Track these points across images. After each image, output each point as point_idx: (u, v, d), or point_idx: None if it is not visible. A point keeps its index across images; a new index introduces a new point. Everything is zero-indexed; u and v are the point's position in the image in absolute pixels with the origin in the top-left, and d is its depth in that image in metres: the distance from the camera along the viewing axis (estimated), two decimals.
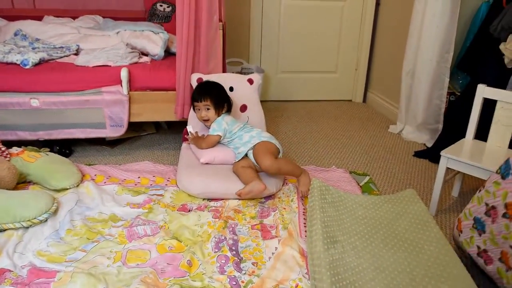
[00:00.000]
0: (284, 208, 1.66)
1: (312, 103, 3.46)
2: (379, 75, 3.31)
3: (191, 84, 2.12)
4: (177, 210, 1.64)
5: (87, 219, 1.57)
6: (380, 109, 3.22)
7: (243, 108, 2.15)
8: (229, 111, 1.89)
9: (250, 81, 2.18)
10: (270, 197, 1.77)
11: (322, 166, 2.17)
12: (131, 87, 2.11)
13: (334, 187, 1.68)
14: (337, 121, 2.97)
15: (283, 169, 1.69)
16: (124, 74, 2.04)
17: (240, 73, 3.07)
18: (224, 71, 2.26)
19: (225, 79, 2.13)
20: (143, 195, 1.74)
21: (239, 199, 1.72)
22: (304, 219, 1.59)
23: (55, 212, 1.57)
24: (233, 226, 1.53)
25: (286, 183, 1.86)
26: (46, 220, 1.52)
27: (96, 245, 1.41)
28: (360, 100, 3.52)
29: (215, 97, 1.87)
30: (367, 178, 2.02)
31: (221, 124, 1.82)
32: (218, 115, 1.86)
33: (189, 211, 1.65)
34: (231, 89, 2.13)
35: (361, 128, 2.84)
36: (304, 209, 1.66)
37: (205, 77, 2.11)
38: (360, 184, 1.94)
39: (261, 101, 2.25)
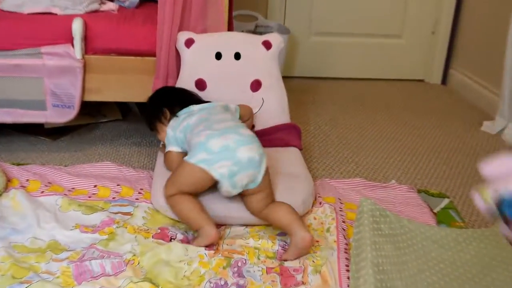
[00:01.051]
0: (317, 241, 1.66)
1: (361, 82, 3.46)
2: (469, 44, 3.29)
3: (176, 49, 2.12)
4: (152, 238, 1.64)
5: (13, 247, 1.56)
6: (469, 96, 3.21)
7: (256, 85, 2.16)
8: (173, 113, 1.89)
9: (267, 45, 2.18)
10: None
11: (375, 181, 2.16)
12: (87, 49, 2.13)
13: (394, 213, 1.67)
14: (400, 111, 2.96)
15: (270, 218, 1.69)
16: (77, 27, 2.06)
17: (254, 33, 3.08)
18: (230, 29, 2.28)
19: (229, 41, 2.14)
20: (100, 212, 1.74)
21: (246, 225, 1.73)
22: (347, 259, 1.58)
23: None
24: (239, 264, 1.53)
25: (320, 203, 1.86)
26: None
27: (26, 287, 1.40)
28: (438, 81, 3.51)
29: (146, 121, 2.01)
30: (446, 201, 2.02)
31: (168, 136, 1.87)
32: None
33: (171, 239, 1.65)
34: (238, 56, 2.14)
35: (437, 123, 2.82)
36: (347, 243, 1.66)
37: (198, 38, 2.11)
38: (435, 210, 1.93)
39: (284, 78, 2.27)
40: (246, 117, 1.99)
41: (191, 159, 1.64)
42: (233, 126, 1.73)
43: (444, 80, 3.50)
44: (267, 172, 1.68)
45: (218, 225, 1.72)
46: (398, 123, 2.80)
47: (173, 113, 1.87)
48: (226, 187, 1.63)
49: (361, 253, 1.48)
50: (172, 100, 1.94)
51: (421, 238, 1.60)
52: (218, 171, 1.61)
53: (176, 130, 1.82)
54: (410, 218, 1.79)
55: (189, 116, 1.82)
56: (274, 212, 1.66)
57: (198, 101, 1.95)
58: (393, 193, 2.01)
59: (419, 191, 2.06)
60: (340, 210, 1.82)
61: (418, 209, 1.89)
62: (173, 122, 1.86)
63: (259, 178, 1.64)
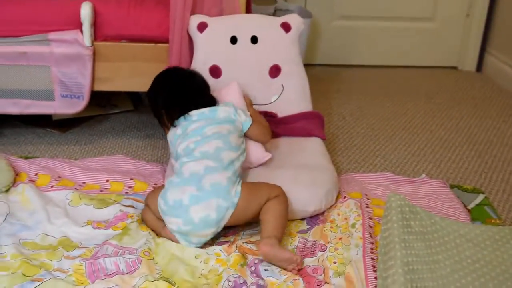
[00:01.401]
0: (340, 239, 1.66)
1: (388, 70, 3.45)
2: (507, 27, 3.26)
3: (189, 34, 2.14)
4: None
5: (23, 244, 1.61)
6: (507, 83, 3.19)
7: (275, 70, 2.16)
8: (171, 119, 1.83)
9: (286, 27, 2.18)
10: (316, 219, 1.78)
11: (404, 175, 2.16)
12: (97, 35, 2.16)
13: (424, 209, 1.67)
14: (431, 101, 2.95)
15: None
16: (86, 12, 2.08)
17: (274, 15, 3.08)
18: (247, 12, 2.29)
19: (246, 24, 2.14)
20: (113, 206, 1.78)
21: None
22: (373, 259, 1.59)
23: None
24: (256, 262, 1.55)
25: (344, 197, 1.86)
26: None
27: (37, 286, 1.43)
28: (473, 68, 3.49)
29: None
30: (481, 197, 2.01)
31: (169, 144, 1.85)
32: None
33: None
34: (254, 39, 2.14)
35: (472, 113, 2.81)
36: (373, 242, 1.66)
37: (212, 21, 2.12)
38: (469, 207, 1.93)
39: (306, 66, 2.27)
40: (255, 137, 1.89)
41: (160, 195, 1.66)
42: (212, 153, 1.67)
43: (479, 67, 3.47)
44: (239, 211, 1.62)
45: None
46: (428, 113, 2.80)
47: (172, 120, 1.81)
48: (181, 241, 1.62)
49: (389, 252, 1.48)
50: (170, 101, 1.85)
51: (454, 236, 1.60)
52: (169, 226, 1.62)
53: (173, 146, 1.80)
54: (442, 215, 1.79)
55: (184, 133, 1.76)
56: (262, 214, 1.65)
57: (201, 98, 1.86)
58: (424, 188, 2.01)
59: (451, 186, 2.06)
60: (367, 206, 1.82)
61: (450, 205, 1.88)
62: (171, 134, 1.82)
63: (220, 228, 1.62)
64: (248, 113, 1.88)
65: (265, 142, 1.93)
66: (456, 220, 1.75)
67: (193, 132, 1.74)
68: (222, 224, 1.60)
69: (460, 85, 3.23)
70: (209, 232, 1.60)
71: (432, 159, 2.33)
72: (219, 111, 1.80)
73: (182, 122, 1.78)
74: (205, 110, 1.79)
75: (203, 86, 1.92)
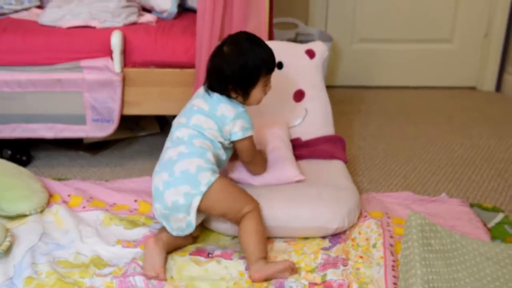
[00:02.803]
0: (361, 257, 1.68)
1: (408, 91, 3.45)
2: None
3: None
4: (189, 255, 1.70)
5: (57, 263, 1.65)
6: None
7: (299, 95, 2.20)
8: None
9: (310, 54, 2.23)
10: (338, 237, 1.80)
11: (424, 194, 2.17)
12: (126, 61, 2.22)
13: (444, 228, 1.68)
14: (450, 121, 2.95)
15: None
16: (116, 40, 2.14)
17: (295, 41, 3.12)
18: (270, 38, 2.33)
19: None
20: (142, 228, 1.82)
21: (288, 238, 1.78)
22: (395, 276, 1.60)
23: (8, 250, 1.67)
24: (281, 281, 1.57)
25: (365, 216, 1.88)
26: None
27: None
28: (491, 88, 3.47)
29: None
30: (501, 215, 2.00)
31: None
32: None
33: (208, 255, 1.71)
34: (280, 65, 2.19)
35: (491, 133, 2.81)
36: (394, 260, 1.67)
37: None
38: (489, 225, 1.93)
39: (327, 87, 2.30)
40: (240, 154, 1.83)
41: None
42: (186, 140, 1.70)
43: (498, 87, 3.45)
44: (213, 203, 1.65)
45: None
46: (448, 133, 2.79)
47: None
48: (166, 227, 1.68)
49: (410, 270, 1.50)
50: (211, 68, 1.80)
51: (474, 254, 1.60)
52: (155, 213, 1.71)
53: None
54: (462, 233, 1.79)
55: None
56: (240, 237, 1.69)
57: (217, 82, 1.77)
58: (444, 207, 2.01)
59: (471, 205, 2.06)
60: (388, 225, 1.84)
61: (470, 224, 1.89)
62: None
63: (192, 222, 1.64)
64: (248, 131, 1.77)
65: (252, 170, 1.90)
66: (476, 238, 1.75)
67: (185, 110, 1.79)
68: (192, 211, 1.62)
69: (479, 105, 3.22)
70: (181, 217, 1.63)
71: (452, 178, 2.33)
72: (220, 108, 1.74)
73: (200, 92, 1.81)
74: (210, 97, 1.75)
75: (237, 70, 1.73)
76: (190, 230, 1.66)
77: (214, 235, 1.83)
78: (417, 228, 1.61)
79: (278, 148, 2.00)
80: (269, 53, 1.78)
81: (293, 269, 1.60)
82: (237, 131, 1.74)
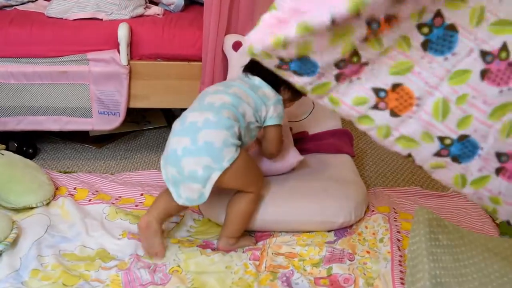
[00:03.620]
0: (368, 252, 1.69)
1: None
2: None
3: (223, 52, 2.19)
4: (197, 246, 1.72)
5: (62, 255, 1.67)
6: None
7: None
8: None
9: None
10: (344, 231, 1.81)
11: (432, 189, 2.17)
12: (133, 54, 2.22)
13: (452, 223, 1.68)
14: None
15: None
16: (123, 32, 2.14)
17: None
18: None
19: None
20: None
21: (292, 232, 1.79)
22: (402, 271, 1.60)
23: (14, 242, 1.68)
24: (287, 275, 1.58)
25: (372, 211, 1.88)
26: (1, 255, 1.63)
27: None
28: None
29: None
30: None
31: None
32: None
33: (214, 249, 1.72)
34: None
35: None
36: (401, 255, 1.67)
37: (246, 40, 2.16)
38: (497, 221, 1.93)
39: None
40: (265, 140, 1.79)
41: None
42: (216, 106, 1.63)
43: None
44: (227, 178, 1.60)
45: (266, 232, 1.80)
46: None
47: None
48: (173, 193, 1.62)
49: (417, 265, 1.50)
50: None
51: (482, 249, 1.59)
52: (164, 176, 1.64)
53: None
54: (470, 228, 1.80)
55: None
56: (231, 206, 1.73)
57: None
58: (452, 202, 2.02)
59: None
60: (395, 220, 1.84)
61: (478, 219, 1.90)
62: None
63: (206, 195, 1.59)
64: (282, 120, 1.77)
65: (267, 155, 1.84)
66: (484, 234, 1.75)
67: (222, 85, 1.76)
68: (209, 184, 1.57)
69: None
70: (196, 187, 1.58)
71: None
72: (262, 89, 1.72)
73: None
74: (254, 79, 1.74)
75: None
76: (201, 201, 1.61)
77: (217, 227, 1.84)
78: (424, 223, 1.60)
79: None
80: None
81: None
82: (274, 116, 1.72)
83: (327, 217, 1.78)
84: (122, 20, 2.21)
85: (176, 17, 2.33)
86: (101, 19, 2.24)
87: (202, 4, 2.26)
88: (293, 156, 1.93)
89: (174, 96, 2.27)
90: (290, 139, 2.01)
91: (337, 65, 1.08)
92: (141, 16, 2.30)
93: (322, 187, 1.85)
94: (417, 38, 1.08)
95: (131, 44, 2.19)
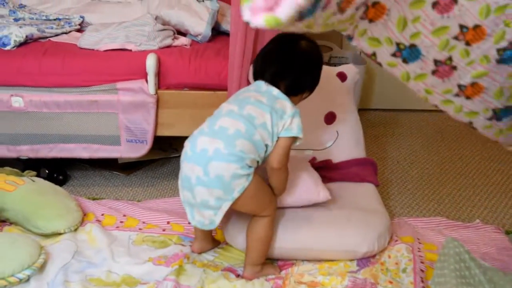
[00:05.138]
0: (391, 283, 1.69)
1: (443, 114, 3.39)
2: None
3: (248, 82, 2.23)
4: (221, 270, 1.75)
5: (89, 281, 1.71)
6: None
7: (330, 117, 2.23)
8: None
9: (342, 76, 2.27)
10: (367, 261, 1.81)
11: (458, 220, 2.17)
12: (160, 84, 2.28)
13: (480, 259, 1.65)
14: (487, 145, 2.93)
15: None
16: (151, 63, 2.20)
17: (328, 64, 3.15)
18: None
19: None
20: (173, 246, 1.88)
21: (315, 261, 1.80)
22: None
23: (42, 268, 1.73)
24: None
25: (396, 241, 1.89)
26: (29, 279, 1.68)
27: None
28: None
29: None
30: None
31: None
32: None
33: (238, 276, 1.75)
34: None
35: None
36: (424, 287, 1.67)
37: None
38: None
39: (361, 110, 2.33)
40: (271, 159, 1.68)
41: None
42: (228, 135, 1.61)
43: None
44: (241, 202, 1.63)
45: (289, 261, 1.82)
46: (485, 158, 2.76)
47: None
48: (188, 214, 1.69)
49: None
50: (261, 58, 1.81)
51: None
52: (181, 197, 1.70)
53: None
54: (496, 261, 1.79)
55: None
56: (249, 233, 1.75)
57: (281, 71, 1.73)
58: (478, 234, 2.01)
59: (507, 232, 2.05)
60: (419, 251, 1.84)
61: (504, 252, 1.88)
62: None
63: (216, 222, 1.64)
64: (301, 132, 1.68)
65: (275, 182, 1.74)
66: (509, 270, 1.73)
67: (236, 100, 1.73)
68: (220, 212, 1.62)
69: None
70: (207, 214, 1.64)
71: (488, 205, 2.32)
72: (279, 101, 1.67)
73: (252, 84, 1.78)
74: (267, 92, 1.69)
75: (303, 63, 1.74)
76: (211, 227, 1.66)
77: (238, 252, 1.87)
78: (454, 258, 1.58)
79: (301, 169, 1.97)
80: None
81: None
82: (293, 128, 1.65)
83: (350, 246, 1.79)
84: (151, 51, 2.27)
85: (203, 48, 2.38)
86: (131, 50, 2.31)
87: (228, 35, 2.31)
88: (323, 193, 1.92)
89: (200, 125, 2.30)
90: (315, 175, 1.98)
91: None
92: (169, 46, 2.37)
93: (345, 216, 1.87)
94: None
95: (159, 74, 2.25)
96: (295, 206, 1.90)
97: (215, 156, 1.59)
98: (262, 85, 1.71)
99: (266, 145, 1.64)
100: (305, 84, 1.75)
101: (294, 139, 1.67)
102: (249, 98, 1.68)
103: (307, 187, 1.90)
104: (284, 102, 1.67)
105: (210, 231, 1.86)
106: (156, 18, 2.46)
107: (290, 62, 1.72)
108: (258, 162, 1.64)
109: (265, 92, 1.69)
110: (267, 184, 1.73)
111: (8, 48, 2.27)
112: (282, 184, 1.77)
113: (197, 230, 1.84)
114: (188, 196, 1.65)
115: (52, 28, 2.45)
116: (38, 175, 2.24)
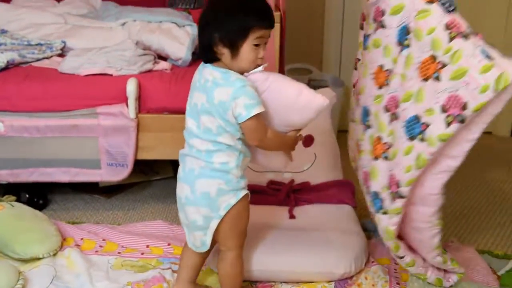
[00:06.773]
0: None
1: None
2: None
3: None
4: None
5: None
6: None
7: (308, 140, 2.22)
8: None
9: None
10: (344, 282, 1.83)
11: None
12: (140, 108, 2.29)
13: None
14: (464, 166, 2.95)
15: None
16: (131, 87, 2.22)
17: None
18: None
19: None
20: (152, 270, 1.87)
21: (293, 283, 1.82)
22: None
23: None
24: None
25: (372, 262, 1.90)
26: None
27: None
28: (507, 133, 3.46)
29: None
30: None
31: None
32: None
33: None
34: None
35: (507, 178, 2.81)
36: None
37: None
38: (499, 273, 1.93)
39: (340, 132, 2.35)
40: (246, 138, 1.60)
41: None
42: (204, 155, 1.59)
43: None
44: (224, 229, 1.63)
45: (266, 283, 1.82)
46: (463, 177, 2.77)
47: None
48: (186, 234, 1.70)
49: None
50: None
51: None
52: (180, 218, 1.71)
53: None
54: (471, 280, 1.81)
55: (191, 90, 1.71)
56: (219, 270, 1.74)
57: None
58: (452, 254, 2.00)
59: (481, 252, 2.06)
60: (395, 272, 1.86)
61: (479, 271, 1.89)
62: None
63: (207, 243, 1.65)
64: (254, 107, 1.52)
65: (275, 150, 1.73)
66: (484, 285, 1.75)
67: (190, 107, 1.65)
68: (209, 233, 1.63)
69: (494, 150, 3.21)
70: (197, 235, 1.65)
71: (464, 224, 2.33)
72: (216, 94, 1.54)
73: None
74: (206, 80, 1.59)
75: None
76: (203, 249, 1.67)
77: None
78: None
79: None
80: (265, 5, 1.58)
81: None
82: (241, 112, 1.51)
83: (327, 267, 1.81)
84: (131, 75, 2.28)
85: (184, 72, 2.39)
86: (111, 75, 2.32)
87: None
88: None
89: (180, 148, 2.30)
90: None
91: None
92: (149, 71, 2.38)
93: (322, 237, 1.89)
94: None
95: (139, 98, 2.27)
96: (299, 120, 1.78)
97: (200, 174, 1.60)
98: (196, 75, 1.67)
99: (238, 139, 1.59)
100: (211, 35, 1.53)
101: (256, 115, 1.53)
102: (196, 106, 1.60)
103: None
104: (219, 90, 1.53)
105: (195, 275, 1.79)
106: (137, 43, 2.49)
107: (200, 25, 1.61)
108: (244, 163, 1.64)
109: (201, 82, 1.61)
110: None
111: None
112: (278, 146, 1.72)
113: (181, 271, 1.77)
114: (183, 217, 1.68)
115: (33, 53, 2.46)
116: (18, 200, 2.24)
